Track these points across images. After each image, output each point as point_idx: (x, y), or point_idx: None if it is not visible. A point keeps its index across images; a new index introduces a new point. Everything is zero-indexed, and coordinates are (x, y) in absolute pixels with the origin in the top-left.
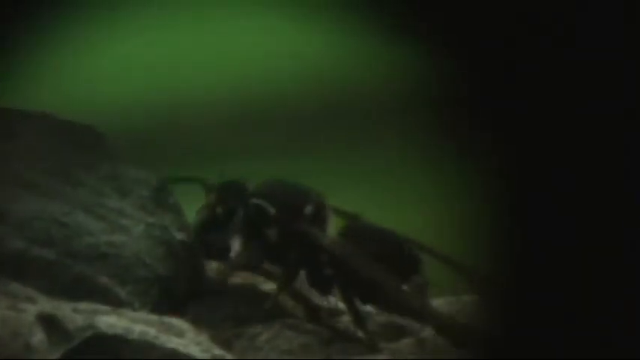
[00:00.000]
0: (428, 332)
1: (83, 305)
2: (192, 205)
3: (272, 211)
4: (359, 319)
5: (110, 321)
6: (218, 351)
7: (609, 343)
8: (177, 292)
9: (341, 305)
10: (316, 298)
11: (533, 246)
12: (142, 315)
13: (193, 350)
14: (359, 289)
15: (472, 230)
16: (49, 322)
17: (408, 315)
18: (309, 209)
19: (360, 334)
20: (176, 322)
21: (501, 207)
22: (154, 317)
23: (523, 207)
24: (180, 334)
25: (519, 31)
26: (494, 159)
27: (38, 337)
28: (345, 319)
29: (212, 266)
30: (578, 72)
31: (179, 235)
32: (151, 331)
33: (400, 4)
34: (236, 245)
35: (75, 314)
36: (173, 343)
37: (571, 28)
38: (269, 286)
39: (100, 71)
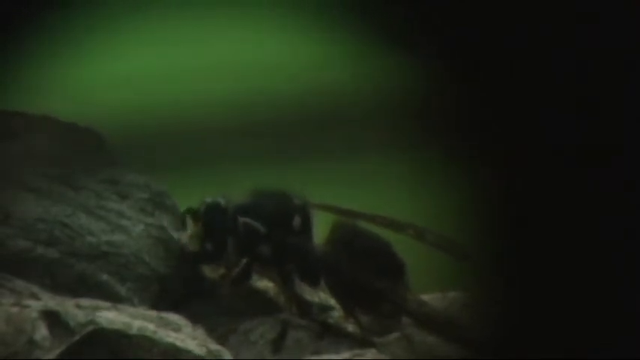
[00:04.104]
0: (414, 328)
1: (85, 301)
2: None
3: (262, 230)
4: (354, 315)
5: (110, 317)
6: (213, 345)
7: (603, 342)
8: (175, 288)
9: (332, 301)
10: (307, 294)
11: (526, 247)
12: (141, 311)
13: (190, 345)
14: (352, 293)
15: (463, 234)
16: (52, 318)
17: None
18: (297, 221)
19: (351, 328)
20: (173, 317)
21: (493, 209)
22: (152, 313)
23: (516, 208)
24: (177, 329)
25: (512, 35)
26: (485, 163)
27: (41, 333)
28: (336, 315)
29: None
30: (575, 73)
31: (177, 235)
32: (150, 327)
33: (392, 12)
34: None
35: (77, 310)
36: (171, 337)
37: (568, 31)
38: (262, 283)
39: (101, 79)
